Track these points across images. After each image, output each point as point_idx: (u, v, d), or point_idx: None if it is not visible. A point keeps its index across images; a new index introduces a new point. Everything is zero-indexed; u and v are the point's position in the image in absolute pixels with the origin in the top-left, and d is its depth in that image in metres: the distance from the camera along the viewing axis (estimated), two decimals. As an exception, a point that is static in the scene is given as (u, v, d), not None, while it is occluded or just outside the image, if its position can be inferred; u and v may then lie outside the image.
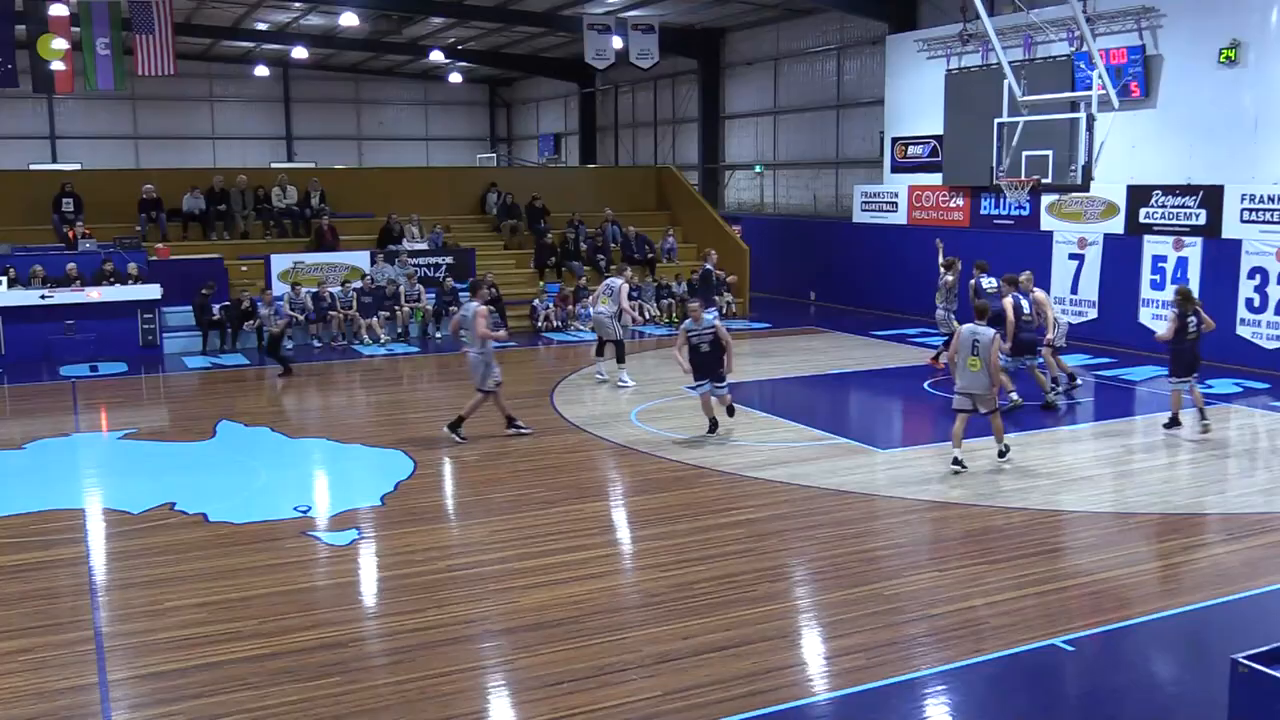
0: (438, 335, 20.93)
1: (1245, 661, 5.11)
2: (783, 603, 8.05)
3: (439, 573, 8.62)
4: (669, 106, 34.45)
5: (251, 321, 19.35)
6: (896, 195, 23.84)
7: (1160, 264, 18.46)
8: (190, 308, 19.62)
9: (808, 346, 19.97)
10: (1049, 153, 15.97)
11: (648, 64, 26.76)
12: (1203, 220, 17.79)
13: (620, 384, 15.95)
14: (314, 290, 20.48)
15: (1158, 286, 18.48)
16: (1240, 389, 15.47)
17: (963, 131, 20.85)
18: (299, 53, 33.84)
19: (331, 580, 8.66)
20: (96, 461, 12.40)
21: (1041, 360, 14.15)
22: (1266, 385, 15.77)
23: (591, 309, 17.62)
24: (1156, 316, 18.38)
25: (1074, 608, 7.84)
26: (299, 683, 6.67)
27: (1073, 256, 19.94)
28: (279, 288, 20.67)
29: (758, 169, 30.84)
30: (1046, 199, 20.13)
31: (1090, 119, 15.38)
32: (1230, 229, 17.38)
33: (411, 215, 23.65)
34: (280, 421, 14.34)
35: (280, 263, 21.28)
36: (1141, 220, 18.76)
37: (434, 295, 21.47)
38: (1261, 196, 16.97)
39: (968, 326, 11.34)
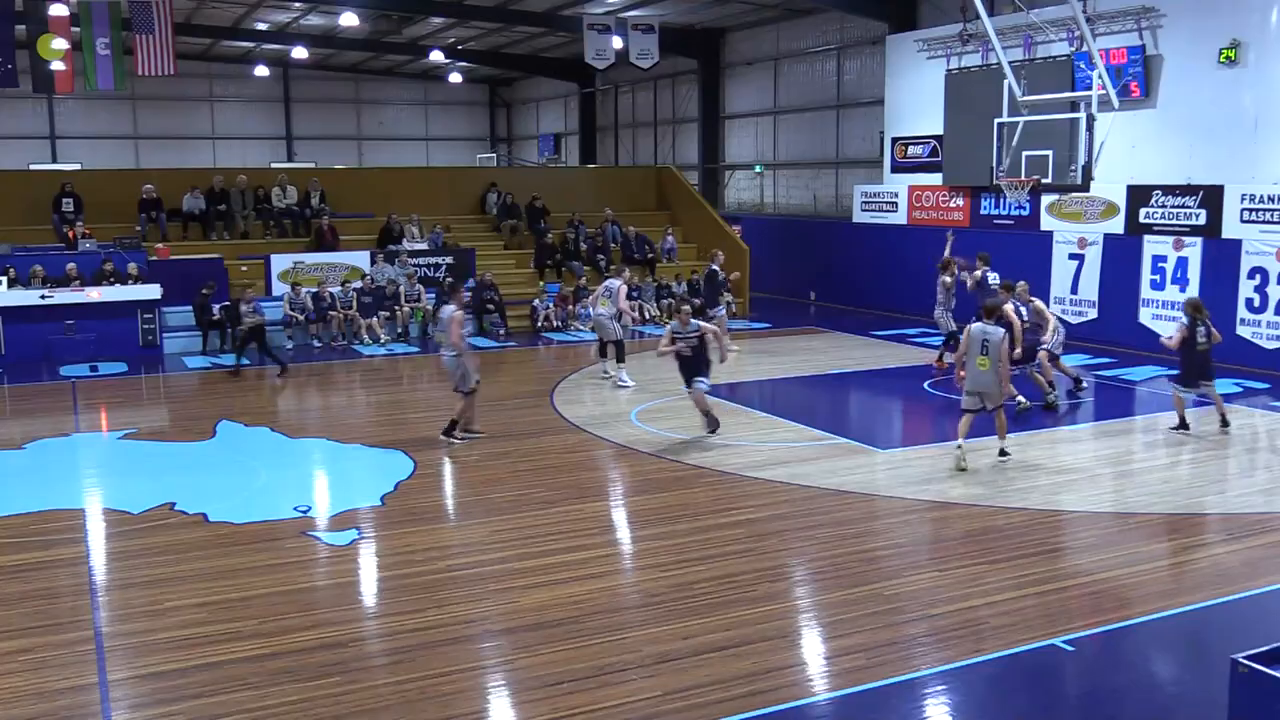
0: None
1: (1245, 661, 5.11)
2: (783, 603, 8.05)
3: (439, 573, 8.62)
4: (669, 106, 34.45)
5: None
6: (896, 195, 23.84)
7: (1160, 264, 18.46)
8: (190, 308, 19.63)
9: (808, 346, 19.97)
10: (1049, 153, 15.97)
11: (648, 64, 26.75)
12: (1203, 220, 17.79)
13: (620, 384, 15.96)
14: (314, 290, 20.49)
15: (1158, 286, 18.48)
16: (1240, 389, 15.46)
17: (963, 131, 20.85)
18: (299, 53, 33.84)
19: (331, 580, 8.66)
20: (96, 461, 12.40)
21: (1039, 363, 14.16)
22: (1266, 385, 15.77)
23: (591, 310, 17.65)
24: (1156, 317, 18.41)
25: (1074, 608, 7.84)
26: (299, 683, 6.67)
27: (1073, 256, 19.94)
28: (279, 288, 20.72)
29: (758, 169, 30.84)
30: (1046, 199, 20.13)
31: (1090, 119, 15.38)
32: (1230, 229, 17.38)
33: (411, 215, 23.65)
34: (280, 421, 14.35)
35: (280, 263, 21.29)
36: (1141, 220, 18.76)
37: (434, 295, 21.45)
38: (1261, 196, 16.97)
39: (977, 326, 11.35)
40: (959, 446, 11.36)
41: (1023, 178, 16.44)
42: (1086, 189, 16.59)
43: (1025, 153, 16.30)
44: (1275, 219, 16.78)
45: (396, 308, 20.99)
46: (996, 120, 16.58)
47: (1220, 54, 17.36)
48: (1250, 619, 7.74)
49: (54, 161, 35.31)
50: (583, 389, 16.15)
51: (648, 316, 22.54)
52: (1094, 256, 19.55)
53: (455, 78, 40.84)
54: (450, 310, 12.74)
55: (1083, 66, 18.35)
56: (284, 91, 40.95)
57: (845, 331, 21.60)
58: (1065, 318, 19.55)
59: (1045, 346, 14.26)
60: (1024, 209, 20.74)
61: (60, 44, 23.52)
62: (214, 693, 6.55)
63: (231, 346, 17.87)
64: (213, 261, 20.67)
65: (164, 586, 8.31)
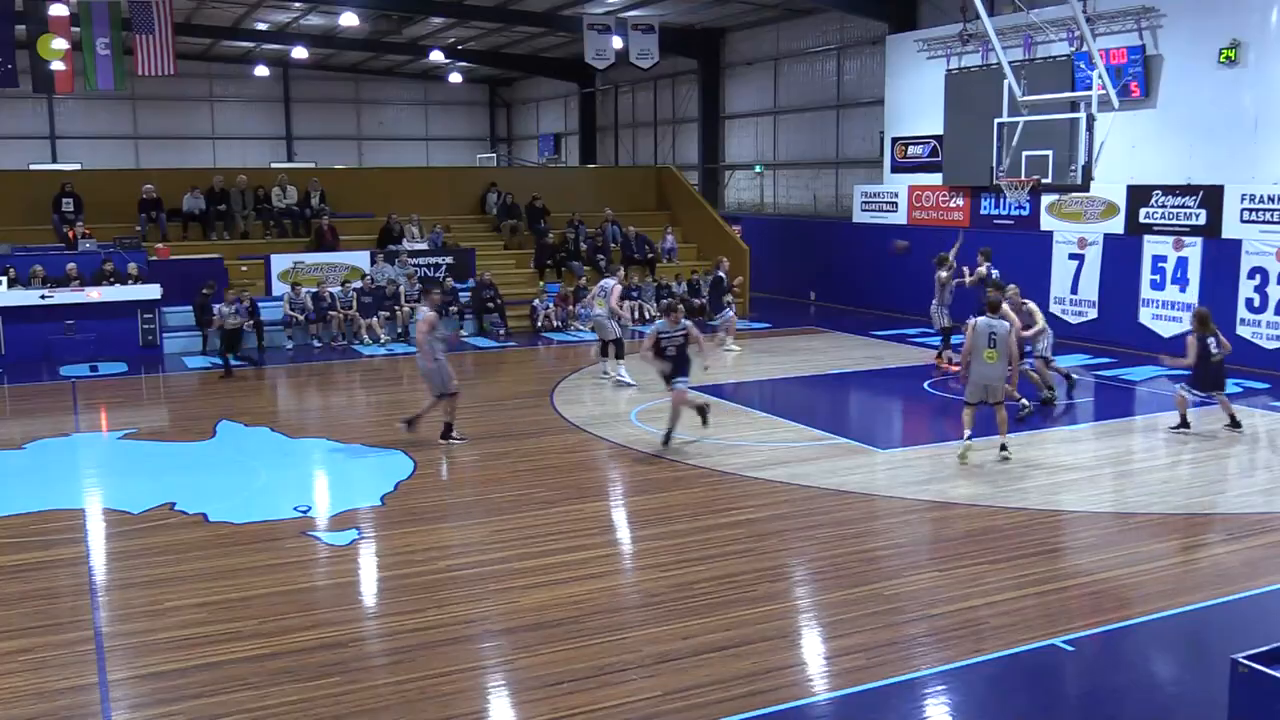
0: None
1: (1245, 661, 5.11)
2: (783, 603, 8.04)
3: (439, 573, 8.62)
4: (669, 106, 34.45)
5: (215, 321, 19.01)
6: (896, 195, 23.84)
7: (1160, 264, 18.46)
8: (190, 308, 19.62)
9: (808, 346, 19.97)
10: (1049, 153, 15.97)
11: (648, 64, 26.76)
12: (1203, 220, 17.79)
13: (619, 380, 15.97)
14: (314, 290, 20.49)
15: (1158, 287, 18.48)
16: (1240, 389, 15.44)
17: (963, 131, 20.85)
18: (299, 53, 33.84)
19: (331, 580, 8.66)
20: (96, 461, 12.39)
21: (1033, 362, 14.16)
22: (1266, 385, 15.77)
23: (590, 310, 17.69)
24: (1156, 317, 18.41)
25: (1074, 608, 7.84)
26: (299, 683, 6.67)
27: (1073, 256, 19.93)
28: (279, 288, 20.72)
29: (758, 169, 30.84)
30: (1046, 199, 20.13)
31: (1090, 119, 15.38)
32: (1230, 229, 17.38)
33: (411, 215, 23.65)
34: (280, 422, 14.35)
35: (280, 263, 21.29)
36: (1141, 220, 18.75)
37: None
38: (1261, 196, 16.96)
39: (982, 320, 11.37)
40: (968, 438, 11.36)
41: (1023, 178, 16.44)
42: (1086, 189, 16.59)
43: (1025, 153, 16.30)
44: (1275, 219, 16.78)
45: (396, 308, 20.98)
46: (996, 120, 16.58)
47: (1220, 54, 17.35)
48: (1250, 619, 7.74)
49: (54, 161, 35.31)
50: (583, 389, 16.15)
51: (648, 316, 22.52)
52: (1094, 256, 19.55)
53: (455, 78, 40.84)
54: (423, 312, 12.71)
55: (1083, 66, 18.35)
56: (284, 91, 40.95)
57: (845, 331, 21.60)
58: (1065, 318, 19.63)
59: (1039, 351, 14.23)
60: (1024, 209, 20.74)
61: (60, 44, 23.52)
62: (214, 693, 6.55)
63: (228, 349, 17.80)
64: (213, 261, 20.67)
65: (164, 586, 8.30)
